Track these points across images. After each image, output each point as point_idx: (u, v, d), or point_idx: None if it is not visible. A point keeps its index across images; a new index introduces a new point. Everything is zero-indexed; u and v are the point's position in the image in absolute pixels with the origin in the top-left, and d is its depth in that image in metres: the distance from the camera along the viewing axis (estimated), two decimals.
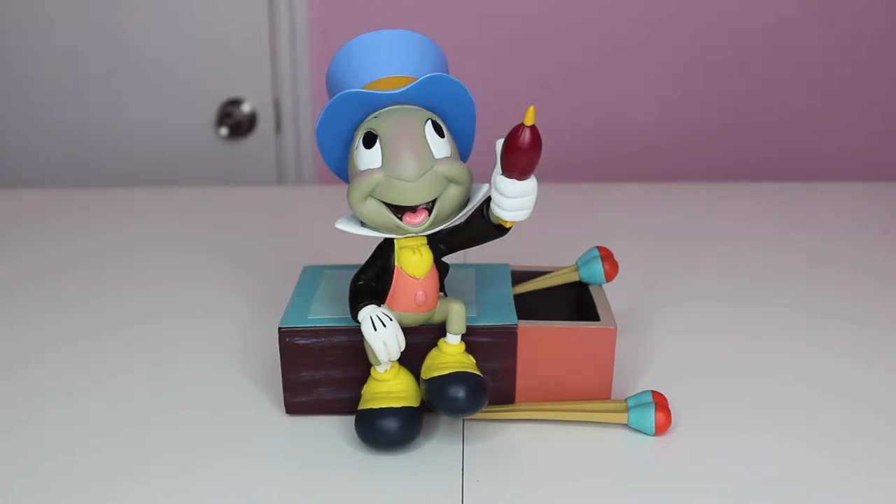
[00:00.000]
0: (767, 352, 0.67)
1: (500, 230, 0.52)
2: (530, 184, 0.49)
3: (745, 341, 0.68)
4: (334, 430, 0.56)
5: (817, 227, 0.93)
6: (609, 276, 0.61)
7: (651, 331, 0.70)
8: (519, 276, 0.64)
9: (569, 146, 1.38)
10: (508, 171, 0.48)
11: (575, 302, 0.65)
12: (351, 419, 0.56)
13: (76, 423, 0.57)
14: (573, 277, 0.63)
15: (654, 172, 1.39)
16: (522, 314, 0.59)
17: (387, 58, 0.52)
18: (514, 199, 0.49)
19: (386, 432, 0.52)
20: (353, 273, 0.54)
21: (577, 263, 0.63)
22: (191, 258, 0.85)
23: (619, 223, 0.95)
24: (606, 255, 0.62)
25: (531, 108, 0.46)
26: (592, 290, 0.61)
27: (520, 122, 0.47)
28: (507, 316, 0.57)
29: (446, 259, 0.55)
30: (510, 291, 0.60)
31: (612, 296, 0.73)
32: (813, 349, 0.67)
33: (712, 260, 0.85)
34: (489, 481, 0.51)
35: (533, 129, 0.46)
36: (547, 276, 0.64)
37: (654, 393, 0.56)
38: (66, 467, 0.53)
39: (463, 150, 0.55)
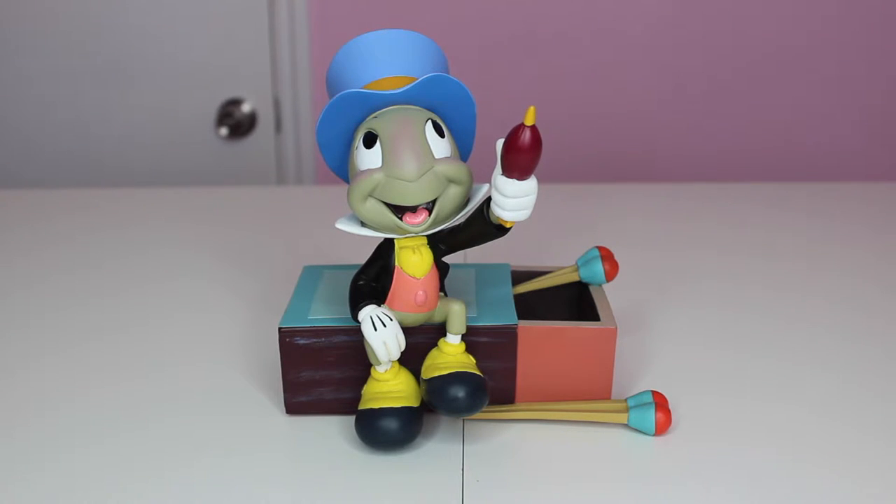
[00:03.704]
0: (768, 352, 0.67)
1: (500, 230, 0.52)
2: (530, 184, 0.49)
3: (746, 341, 0.68)
4: (334, 430, 0.56)
5: (818, 227, 0.93)
6: (609, 276, 0.61)
7: (651, 331, 0.70)
8: (519, 276, 0.64)
9: (569, 146, 1.38)
10: (509, 171, 0.48)
11: (575, 302, 0.65)
12: (351, 419, 0.56)
13: (76, 423, 0.57)
14: (573, 277, 0.63)
15: (654, 172, 1.39)
16: (522, 314, 0.59)
17: (387, 58, 0.52)
18: (514, 199, 0.49)
19: (386, 432, 0.52)
20: (353, 273, 0.54)
21: (577, 263, 0.63)
22: (191, 258, 0.85)
23: (619, 223, 0.95)
24: (606, 255, 0.62)
25: (531, 109, 0.46)
26: (592, 290, 0.61)
27: (520, 122, 0.47)
28: (507, 316, 0.57)
29: (446, 259, 0.55)
30: (510, 291, 0.60)
31: (612, 296, 0.73)
32: (813, 349, 0.67)
33: (713, 260, 0.85)
34: (489, 481, 0.51)
35: (533, 129, 0.46)
36: (547, 276, 0.64)
37: (654, 393, 0.56)
38: (65, 468, 0.53)
39: (463, 150, 0.55)
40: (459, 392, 0.51)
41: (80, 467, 0.53)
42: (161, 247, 0.88)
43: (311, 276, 0.63)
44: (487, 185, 0.51)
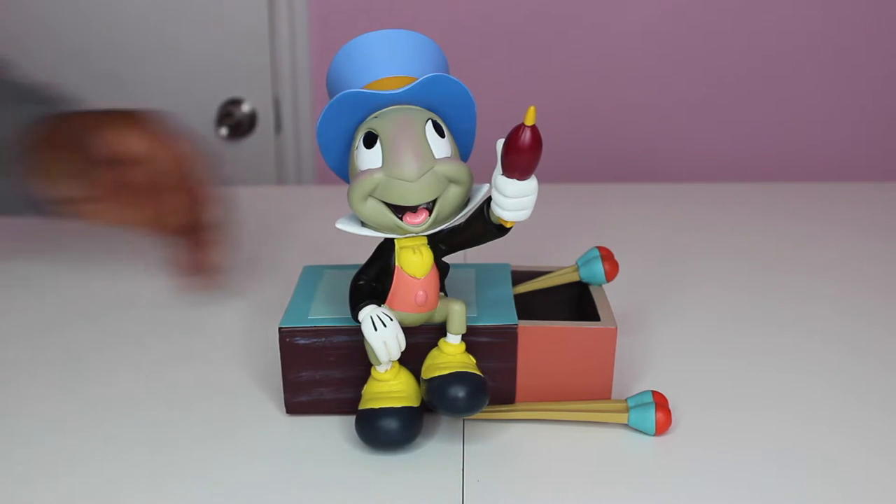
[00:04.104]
0: (768, 351, 0.67)
1: (500, 230, 0.52)
2: (531, 184, 0.49)
3: (746, 341, 0.68)
4: (334, 430, 0.56)
5: (818, 228, 0.93)
6: (609, 276, 0.61)
7: (651, 331, 0.70)
8: (519, 276, 0.64)
9: (569, 146, 1.38)
10: (509, 172, 0.48)
11: (575, 302, 0.65)
12: (351, 419, 0.56)
13: (75, 423, 0.57)
14: (573, 277, 0.63)
15: (654, 172, 1.39)
16: (522, 314, 0.59)
17: (387, 58, 0.52)
18: (514, 199, 0.49)
19: (386, 432, 0.52)
20: (353, 273, 0.54)
21: (577, 263, 0.63)
22: None
23: (620, 223, 0.95)
24: (607, 255, 0.62)
25: (531, 108, 0.46)
26: (592, 290, 0.61)
27: (520, 122, 0.47)
28: (507, 316, 0.57)
29: (446, 259, 0.55)
30: (510, 291, 0.60)
31: (612, 296, 0.73)
32: (815, 348, 0.67)
33: (713, 260, 0.85)
34: (489, 481, 0.51)
35: (533, 129, 0.46)
36: (547, 276, 0.64)
37: (654, 393, 0.56)
38: (64, 468, 0.53)
39: (463, 150, 0.55)
40: (459, 392, 0.51)
41: (79, 467, 0.53)
42: (160, 246, 0.88)
43: (311, 276, 0.63)
44: (488, 185, 0.51)
